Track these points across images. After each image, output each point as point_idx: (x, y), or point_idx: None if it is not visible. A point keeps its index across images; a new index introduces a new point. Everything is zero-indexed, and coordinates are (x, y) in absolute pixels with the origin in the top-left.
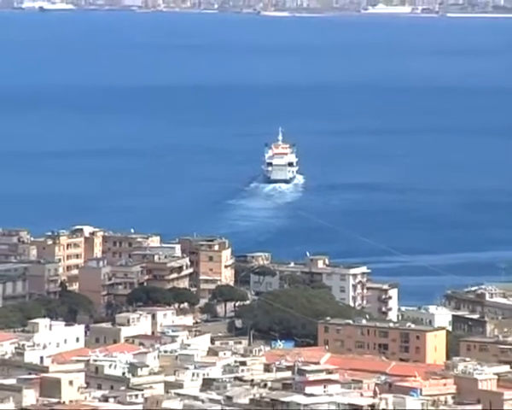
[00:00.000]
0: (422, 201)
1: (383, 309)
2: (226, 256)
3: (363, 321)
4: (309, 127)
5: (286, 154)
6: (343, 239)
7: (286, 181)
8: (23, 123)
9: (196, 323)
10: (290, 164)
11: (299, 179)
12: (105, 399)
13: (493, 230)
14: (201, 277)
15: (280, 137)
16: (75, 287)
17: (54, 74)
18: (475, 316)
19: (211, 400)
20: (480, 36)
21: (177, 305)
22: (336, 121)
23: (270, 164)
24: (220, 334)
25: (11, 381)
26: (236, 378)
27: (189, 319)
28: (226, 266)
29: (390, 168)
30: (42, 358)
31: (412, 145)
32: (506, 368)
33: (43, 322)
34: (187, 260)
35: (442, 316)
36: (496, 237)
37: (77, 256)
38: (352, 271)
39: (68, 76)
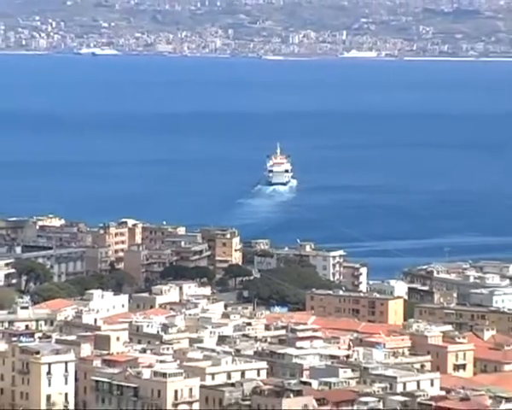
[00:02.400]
0: (388, 199)
1: (355, 283)
2: (236, 242)
3: (340, 292)
4: (300, 143)
5: (283, 163)
6: (326, 229)
7: (283, 184)
8: (87, 140)
9: (213, 293)
10: (286, 171)
11: (294, 183)
12: (143, 351)
13: (440, 221)
14: (217, 258)
15: (278, 151)
16: (121, 266)
17: (105, 104)
18: (426, 288)
19: (224, 352)
20: (429, 75)
21: (198, 279)
22: (322, 139)
23: (270, 171)
24: (231, 301)
25: (72, 337)
26: (244, 335)
27: (207, 290)
28: (236, 250)
29: (364, 175)
30: (95, 320)
31: (381, 157)
32: (449, 328)
33: (96, 292)
34: (206, 246)
35: (400, 288)
36: (442, 227)
37: (122, 242)
38: (332, 253)
39: (115, 105)
